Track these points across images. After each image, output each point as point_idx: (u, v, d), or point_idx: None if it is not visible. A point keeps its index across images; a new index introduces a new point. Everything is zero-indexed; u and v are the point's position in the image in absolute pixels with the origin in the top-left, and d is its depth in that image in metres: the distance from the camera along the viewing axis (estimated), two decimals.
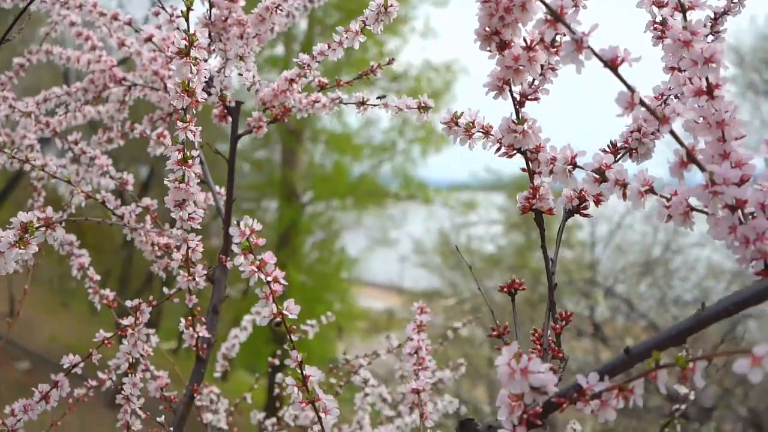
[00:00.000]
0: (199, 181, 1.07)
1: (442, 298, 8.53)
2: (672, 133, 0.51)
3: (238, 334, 1.40)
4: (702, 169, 0.51)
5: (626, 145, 0.68)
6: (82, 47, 1.21)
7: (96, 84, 1.18)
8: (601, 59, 0.50)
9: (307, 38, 10.23)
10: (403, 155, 11.83)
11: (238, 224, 0.60)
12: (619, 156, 0.69)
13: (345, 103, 0.97)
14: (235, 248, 0.61)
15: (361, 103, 0.95)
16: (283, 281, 0.62)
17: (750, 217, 0.52)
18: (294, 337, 1.34)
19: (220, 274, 1.00)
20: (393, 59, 1.00)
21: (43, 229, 0.66)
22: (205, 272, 0.90)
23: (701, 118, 0.54)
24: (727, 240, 0.51)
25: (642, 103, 0.50)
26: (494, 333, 0.66)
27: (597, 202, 0.67)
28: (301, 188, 11.54)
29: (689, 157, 0.51)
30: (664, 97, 0.69)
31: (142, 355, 0.97)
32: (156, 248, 1.03)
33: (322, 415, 0.64)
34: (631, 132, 0.68)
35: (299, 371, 0.65)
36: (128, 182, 1.11)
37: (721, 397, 5.91)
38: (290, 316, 0.63)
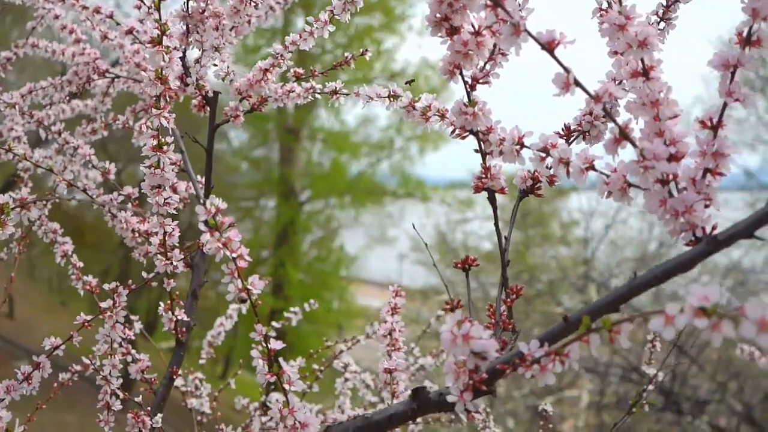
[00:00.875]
0: (179, 170, 1.09)
1: (438, 294, 8.56)
2: (605, 111, 0.54)
3: (223, 323, 1.43)
4: (634, 145, 0.54)
5: (579, 128, 0.71)
6: (67, 40, 1.24)
7: (80, 76, 1.20)
8: (538, 42, 0.53)
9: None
10: (400, 153, 11.88)
11: (204, 204, 0.63)
12: (572, 138, 0.72)
13: (319, 93, 1.00)
14: (201, 226, 0.64)
15: (334, 92, 0.98)
16: (248, 258, 0.65)
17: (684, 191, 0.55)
18: (279, 323, 1.35)
19: (199, 260, 1.03)
20: (366, 50, 1.03)
21: (19, 209, 0.69)
22: (182, 256, 0.92)
23: (639, 98, 0.57)
24: (659, 213, 0.54)
25: (577, 83, 0.53)
26: (448, 307, 0.69)
27: (551, 183, 0.70)
28: (299, 186, 11.59)
29: (622, 134, 0.54)
30: (616, 82, 0.72)
31: (123, 339, 1.00)
32: (136, 235, 1.06)
33: (286, 386, 0.67)
34: (584, 115, 0.71)
35: (264, 344, 0.67)
36: (110, 171, 1.14)
37: (714, 391, 5.95)
38: (254, 291, 0.66)
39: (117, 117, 1.23)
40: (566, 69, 0.53)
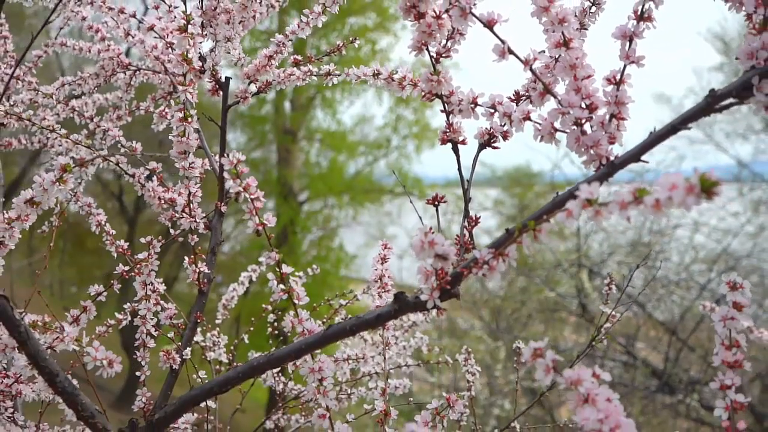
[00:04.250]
0: (197, 147, 1.26)
1: None
2: (533, 72, 0.71)
3: (236, 288, 1.60)
4: (555, 96, 0.71)
5: (527, 93, 0.88)
6: (93, 38, 1.41)
7: (106, 69, 1.38)
8: (481, 21, 0.70)
9: (299, 37, 10.45)
10: (397, 152, 12.06)
11: (228, 155, 0.81)
12: (521, 101, 0.89)
13: (315, 75, 1.17)
14: (225, 174, 0.81)
15: (327, 74, 1.15)
16: (262, 199, 0.82)
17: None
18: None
19: (217, 221, 1.20)
20: (356, 38, 1.20)
21: (78, 167, 0.86)
22: (204, 215, 1.10)
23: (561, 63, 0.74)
24: (575, 148, 0.71)
25: (510, 51, 0.71)
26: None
27: (504, 137, 0.87)
28: (297, 187, 11.77)
29: (546, 90, 0.71)
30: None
31: (153, 290, 1.17)
32: (162, 202, 1.22)
33: (296, 301, 0.84)
34: (530, 83, 0.88)
35: (278, 270, 0.85)
36: (137, 150, 1.31)
37: (705, 371, 6.13)
38: (269, 225, 0.83)
39: (139, 104, 1.40)
40: (503, 41, 0.71)
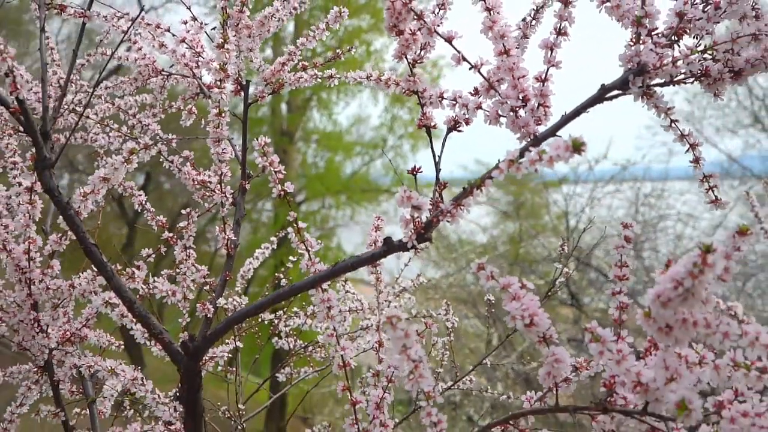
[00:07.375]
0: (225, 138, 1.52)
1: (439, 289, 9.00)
2: (480, 73, 0.98)
3: (252, 262, 1.87)
4: (496, 91, 0.98)
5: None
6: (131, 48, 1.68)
7: (143, 74, 1.64)
8: (442, 37, 0.97)
9: (293, 40, 10.73)
10: (393, 151, 12.32)
11: (257, 139, 1.08)
12: (480, 96, 1.16)
13: (320, 78, 1.44)
14: (255, 153, 1.08)
15: (330, 77, 1.42)
16: (283, 172, 1.09)
17: None
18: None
19: (240, 198, 1.47)
20: (352, 47, 1.48)
21: (144, 150, 1.13)
22: (232, 191, 1.37)
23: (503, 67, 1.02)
24: (512, 128, 0.98)
25: (463, 58, 0.98)
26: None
27: (466, 123, 1.14)
28: (295, 188, 12.02)
29: (490, 86, 0.99)
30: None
31: (188, 255, 1.44)
32: (195, 182, 1.49)
33: (309, 248, 1.11)
34: (484, 80, 1.15)
35: (295, 225, 1.12)
36: (172, 141, 1.58)
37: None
38: (289, 190, 1.10)
39: (172, 104, 1.67)
40: (458, 51, 0.98)
